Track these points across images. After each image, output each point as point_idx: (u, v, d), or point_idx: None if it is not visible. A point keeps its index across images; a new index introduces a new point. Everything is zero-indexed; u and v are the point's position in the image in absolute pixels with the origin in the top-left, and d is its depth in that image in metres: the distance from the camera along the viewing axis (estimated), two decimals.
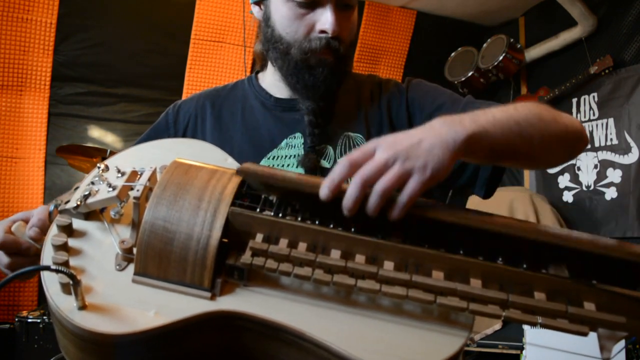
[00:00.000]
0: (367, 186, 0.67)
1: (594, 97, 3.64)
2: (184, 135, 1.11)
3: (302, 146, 1.04)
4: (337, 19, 0.97)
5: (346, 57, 1.03)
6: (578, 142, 0.92)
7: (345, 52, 1.02)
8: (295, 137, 1.05)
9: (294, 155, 1.03)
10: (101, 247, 0.74)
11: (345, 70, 1.05)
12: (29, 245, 0.80)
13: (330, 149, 1.04)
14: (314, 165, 1.02)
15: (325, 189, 0.68)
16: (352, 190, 0.67)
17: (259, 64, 1.17)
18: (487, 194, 1.00)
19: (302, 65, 1.00)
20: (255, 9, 1.09)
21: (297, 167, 1.03)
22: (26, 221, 0.83)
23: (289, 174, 0.74)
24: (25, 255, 0.81)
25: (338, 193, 0.68)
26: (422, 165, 0.68)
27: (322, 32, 0.98)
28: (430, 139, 0.70)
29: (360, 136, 1.05)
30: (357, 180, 0.67)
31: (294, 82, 1.02)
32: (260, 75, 1.17)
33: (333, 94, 1.05)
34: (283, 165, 1.03)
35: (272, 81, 1.11)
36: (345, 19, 1.00)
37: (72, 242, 0.74)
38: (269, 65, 1.11)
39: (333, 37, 0.98)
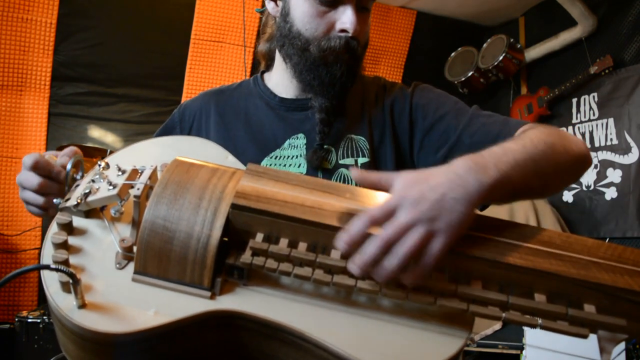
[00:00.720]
0: (388, 249, 0.65)
1: (594, 97, 3.64)
2: (189, 133, 1.11)
3: (305, 147, 1.04)
4: (357, 18, 0.97)
5: (360, 59, 1.04)
6: (584, 166, 0.92)
7: (361, 53, 1.03)
8: (298, 138, 1.05)
9: (296, 156, 1.03)
10: (101, 246, 0.74)
11: (357, 71, 1.05)
12: (60, 170, 0.84)
13: (333, 151, 1.04)
14: (320, 163, 1.01)
15: (342, 242, 0.66)
16: (371, 250, 0.65)
17: (264, 64, 1.17)
18: (484, 206, 1.01)
19: (320, 62, 1.00)
20: (270, 5, 1.08)
21: (299, 166, 1.03)
22: (56, 156, 0.87)
23: (286, 205, 0.72)
24: (54, 180, 0.84)
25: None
26: (446, 225, 0.66)
27: (343, 31, 0.98)
28: (454, 193, 0.67)
29: (363, 139, 1.05)
30: (378, 242, 0.65)
31: (310, 78, 1.02)
32: (265, 75, 1.17)
33: (345, 93, 1.05)
34: (285, 166, 1.03)
35: (278, 80, 1.11)
36: (362, 20, 1.00)
37: (72, 240, 0.74)
38: (277, 64, 1.11)
39: (352, 37, 0.98)
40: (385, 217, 0.66)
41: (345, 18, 0.97)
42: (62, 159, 0.85)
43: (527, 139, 0.82)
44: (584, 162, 0.91)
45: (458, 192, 0.67)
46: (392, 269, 0.65)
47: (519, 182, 0.75)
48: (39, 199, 0.85)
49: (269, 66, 1.15)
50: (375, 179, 0.71)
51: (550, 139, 0.84)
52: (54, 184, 0.84)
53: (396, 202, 0.67)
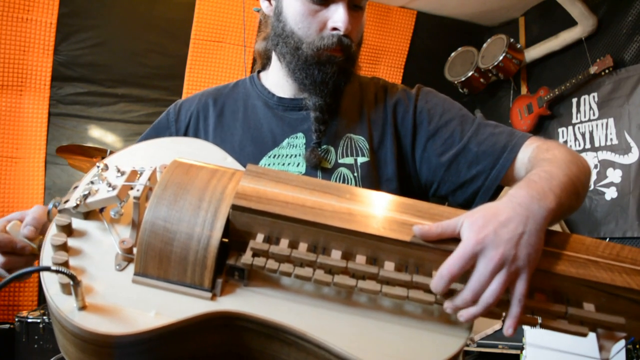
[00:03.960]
0: (477, 297, 0.67)
1: (594, 97, 3.64)
2: (185, 134, 1.10)
3: (304, 146, 1.04)
4: (349, 17, 0.97)
5: (354, 57, 1.04)
6: (590, 178, 0.95)
7: (355, 51, 1.03)
8: (297, 137, 1.05)
9: (295, 155, 1.03)
10: (101, 247, 0.74)
11: (352, 70, 1.05)
12: (24, 245, 0.80)
13: (332, 150, 1.04)
14: (318, 161, 1.02)
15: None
16: (461, 301, 0.67)
17: (259, 63, 1.17)
18: None
19: (312, 62, 1.00)
20: (265, 4, 1.09)
21: (298, 166, 1.03)
22: (21, 220, 0.82)
23: (286, 206, 0.72)
24: (19, 255, 0.80)
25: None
26: (526, 263, 0.67)
27: (334, 29, 0.98)
28: (525, 226, 0.68)
29: (362, 138, 1.05)
30: (467, 297, 0.66)
31: (302, 77, 1.02)
32: (262, 74, 1.16)
33: (340, 92, 1.05)
34: (284, 165, 1.03)
35: (275, 80, 1.11)
36: (355, 19, 1.01)
37: (72, 242, 0.74)
38: (273, 63, 1.11)
39: (345, 34, 0.98)
40: (465, 268, 0.67)
41: (337, 16, 0.97)
42: (26, 229, 0.79)
43: (560, 161, 0.85)
44: (590, 175, 0.95)
45: (529, 225, 0.69)
46: (477, 314, 0.67)
47: (566, 204, 0.78)
48: (5, 273, 0.81)
49: (266, 65, 1.15)
50: (440, 231, 0.70)
51: (573, 158, 0.88)
52: (20, 257, 0.80)
53: (473, 249, 0.67)
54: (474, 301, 0.67)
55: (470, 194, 1.01)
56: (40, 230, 0.81)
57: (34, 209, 0.82)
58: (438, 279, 0.67)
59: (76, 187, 0.80)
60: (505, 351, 2.89)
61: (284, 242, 0.71)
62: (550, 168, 0.82)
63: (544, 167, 0.82)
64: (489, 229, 0.67)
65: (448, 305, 0.68)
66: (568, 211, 0.82)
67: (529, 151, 0.95)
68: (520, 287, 0.67)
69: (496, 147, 0.98)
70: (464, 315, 0.68)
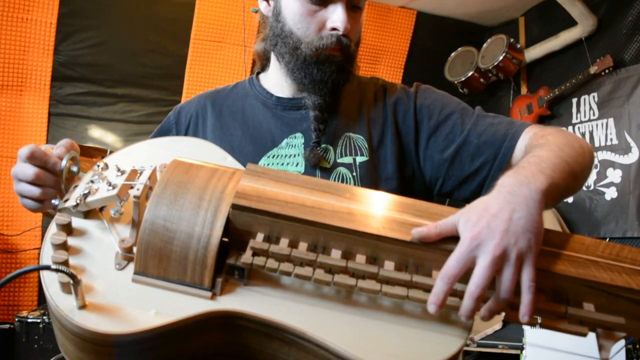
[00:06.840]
0: (483, 294, 0.65)
1: (594, 97, 3.64)
2: (185, 135, 1.11)
3: (303, 146, 1.04)
4: (347, 17, 0.98)
5: (353, 56, 1.04)
6: (592, 160, 0.95)
7: (353, 50, 1.03)
8: (295, 137, 1.05)
9: (294, 155, 1.04)
10: (101, 246, 0.74)
11: (351, 69, 1.05)
12: (56, 161, 0.82)
13: (331, 149, 1.04)
14: (318, 161, 1.02)
15: (433, 306, 0.66)
16: (469, 305, 0.66)
17: (259, 65, 1.17)
18: None
19: (311, 61, 1.00)
20: (262, 5, 1.09)
21: (297, 165, 1.03)
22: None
23: (286, 205, 0.72)
24: (50, 171, 0.82)
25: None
26: (527, 247, 0.66)
27: (333, 29, 0.99)
28: (518, 213, 0.67)
29: (362, 137, 1.05)
30: (473, 298, 0.65)
31: (302, 77, 1.03)
32: (261, 75, 1.17)
33: (339, 91, 1.05)
34: (283, 165, 1.03)
35: (274, 80, 1.11)
36: (354, 19, 1.01)
37: (72, 241, 0.74)
38: (272, 63, 1.12)
39: (344, 34, 0.99)
40: (464, 268, 0.66)
41: (336, 17, 0.98)
42: (58, 150, 0.83)
43: (552, 144, 0.84)
44: (592, 157, 0.94)
45: (522, 210, 0.68)
46: (496, 312, 0.67)
47: (562, 184, 0.77)
48: (35, 191, 0.83)
49: (265, 66, 1.16)
50: (438, 232, 0.70)
51: (567, 141, 0.87)
52: (50, 175, 0.83)
53: (469, 247, 0.66)
54: (480, 295, 0.65)
55: (476, 185, 1.01)
56: (70, 155, 0.84)
57: (65, 139, 0.85)
58: (439, 282, 0.66)
59: (76, 186, 0.80)
60: (505, 351, 2.90)
61: (284, 242, 0.71)
62: (541, 152, 0.81)
63: (535, 152, 0.82)
64: (482, 224, 0.67)
65: (463, 313, 0.67)
66: (565, 192, 0.81)
67: (527, 139, 0.95)
68: (527, 273, 0.66)
69: (496, 136, 0.98)
70: (481, 312, 0.67)
